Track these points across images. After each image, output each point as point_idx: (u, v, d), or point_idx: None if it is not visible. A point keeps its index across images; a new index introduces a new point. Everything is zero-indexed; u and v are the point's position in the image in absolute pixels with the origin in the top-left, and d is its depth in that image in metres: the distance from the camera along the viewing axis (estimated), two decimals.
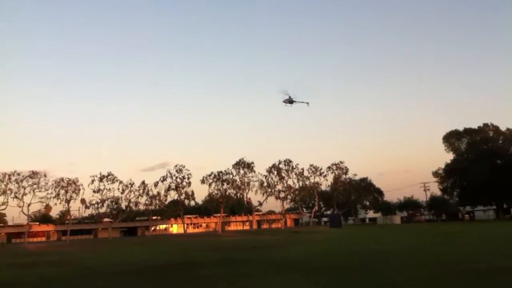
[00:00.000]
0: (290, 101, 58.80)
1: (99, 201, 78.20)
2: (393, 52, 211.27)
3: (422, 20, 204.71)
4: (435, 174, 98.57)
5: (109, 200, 79.28)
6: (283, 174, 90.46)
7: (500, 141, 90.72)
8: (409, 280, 11.68)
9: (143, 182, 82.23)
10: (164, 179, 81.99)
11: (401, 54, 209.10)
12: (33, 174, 70.27)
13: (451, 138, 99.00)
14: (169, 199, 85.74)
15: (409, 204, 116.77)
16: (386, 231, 58.25)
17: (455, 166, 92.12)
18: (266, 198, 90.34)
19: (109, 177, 78.56)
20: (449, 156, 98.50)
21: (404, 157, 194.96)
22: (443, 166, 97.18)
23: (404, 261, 16.81)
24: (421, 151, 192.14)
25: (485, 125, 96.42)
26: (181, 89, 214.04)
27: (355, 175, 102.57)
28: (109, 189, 78.63)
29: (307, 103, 60.74)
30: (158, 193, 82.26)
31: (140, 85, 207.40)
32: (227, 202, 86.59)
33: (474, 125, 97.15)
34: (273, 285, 12.03)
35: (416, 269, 13.87)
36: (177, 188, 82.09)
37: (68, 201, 75.96)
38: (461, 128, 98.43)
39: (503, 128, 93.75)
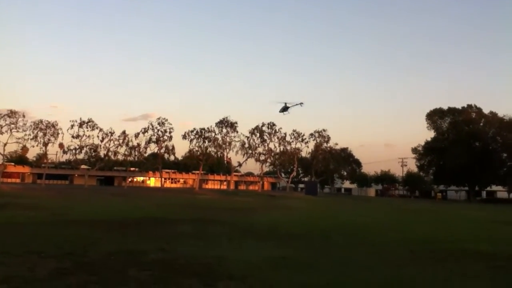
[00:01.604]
0: (285, 108, 60.78)
1: (77, 147, 77.32)
2: (382, 24, 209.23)
3: None
4: (414, 150, 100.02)
5: (87, 147, 78.47)
6: (265, 137, 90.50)
7: (482, 124, 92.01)
8: (369, 254, 12.01)
9: (123, 132, 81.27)
10: (145, 130, 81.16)
11: (391, 27, 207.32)
12: (11, 114, 68.48)
13: (434, 116, 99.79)
14: (149, 151, 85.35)
15: (385, 178, 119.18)
16: (359, 203, 59.61)
17: (435, 144, 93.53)
18: (246, 160, 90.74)
19: (89, 123, 77.33)
20: (431, 134, 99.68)
21: (386, 131, 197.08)
22: (423, 143, 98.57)
23: (369, 235, 17.24)
24: (403, 127, 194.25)
25: (469, 106, 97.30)
26: (174, 43, 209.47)
27: (336, 144, 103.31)
28: (89, 136, 77.56)
29: (301, 103, 62.24)
30: (138, 145, 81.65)
31: (131, 34, 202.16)
32: (206, 160, 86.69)
33: (459, 106, 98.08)
34: (239, 248, 12.27)
35: (378, 244, 14.25)
36: (157, 141, 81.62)
37: (45, 144, 74.90)
38: (445, 107, 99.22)
39: (486, 111, 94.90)
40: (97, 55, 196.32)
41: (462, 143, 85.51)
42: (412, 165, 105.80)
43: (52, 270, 8.25)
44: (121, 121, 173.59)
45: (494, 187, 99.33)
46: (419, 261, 11.03)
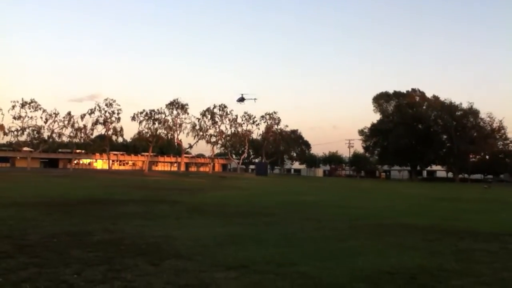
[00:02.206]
0: (241, 99, 63.56)
1: (19, 128, 74.00)
2: (330, 8, 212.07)
3: None
4: (361, 132, 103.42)
5: (30, 128, 75.23)
6: (216, 119, 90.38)
7: (424, 107, 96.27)
8: (313, 229, 12.42)
9: (68, 113, 78.54)
10: (92, 112, 78.86)
11: (340, 11, 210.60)
12: None
13: (380, 100, 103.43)
14: (96, 133, 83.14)
15: (332, 159, 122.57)
16: (307, 182, 61.05)
17: (380, 126, 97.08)
18: (197, 141, 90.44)
19: (31, 104, 74.08)
20: (377, 117, 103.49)
21: (335, 114, 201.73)
22: (369, 125, 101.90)
23: (314, 212, 17.78)
24: (351, 109, 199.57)
25: (413, 90, 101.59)
26: (123, 20, 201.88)
27: (287, 126, 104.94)
28: (31, 117, 74.49)
29: (255, 99, 65.79)
30: (85, 126, 79.26)
31: (76, 10, 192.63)
32: (156, 142, 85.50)
33: (403, 90, 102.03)
34: (186, 227, 12.30)
35: (322, 220, 14.74)
36: (105, 123, 79.49)
37: None
38: (391, 91, 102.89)
39: (429, 95, 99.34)
40: (40, 33, 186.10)
41: (406, 125, 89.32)
42: (359, 147, 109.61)
43: None
44: (66, 101, 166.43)
45: (434, 167, 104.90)
46: (359, 235, 11.53)
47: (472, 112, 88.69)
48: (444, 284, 6.63)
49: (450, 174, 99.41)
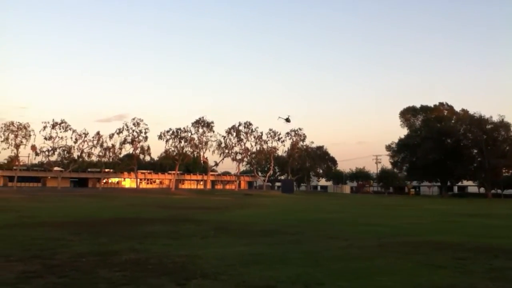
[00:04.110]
0: (287, 119, 66.03)
1: (50, 148, 76.04)
2: (354, 21, 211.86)
3: None
4: (388, 147, 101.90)
5: (60, 148, 77.19)
6: (241, 136, 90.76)
7: (453, 121, 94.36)
8: (340, 248, 12.23)
9: (97, 133, 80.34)
10: (120, 131, 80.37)
11: (364, 24, 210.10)
12: None
13: (407, 114, 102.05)
14: (124, 152, 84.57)
15: (359, 175, 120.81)
16: (334, 199, 60.33)
17: (408, 141, 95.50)
18: (223, 159, 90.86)
19: (62, 124, 76.10)
20: (404, 132, 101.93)
21: (360, 129, 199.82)
22: (396, 140, 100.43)
23: (341, 229, 17.52)
24: (377, 124, 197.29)
25: (441, 104, 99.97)
26: (150, 40, 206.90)
27: (312, 142, 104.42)
28: (62, 137, 76.45)
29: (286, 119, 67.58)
30: (113, 145, 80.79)
31: (103, 32, 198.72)
32: (183, 160, 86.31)
33: (431, 103, 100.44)
34: (212, 246, 12.29)
35: (350, 238, 14.50)
36: (132, 142, 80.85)
37: (17, 146, 73.50)
38: (418, 105, 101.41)
39: (457, 108, 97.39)
40: (68, 54, 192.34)
41: (434, 140, 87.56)
42: (386, 162, 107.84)
43: (19, 273, 8.07)
44: (94, 121, 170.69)
45: (465, 182, 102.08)
46: (387, 253, 11.27)
47: (503, 125, 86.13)
48: None
49: (482, 190, 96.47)
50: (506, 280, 8.06)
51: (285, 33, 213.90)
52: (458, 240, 13.96)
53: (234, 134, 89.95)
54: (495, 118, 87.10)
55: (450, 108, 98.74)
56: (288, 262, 9.76)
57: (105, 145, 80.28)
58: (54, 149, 76.19)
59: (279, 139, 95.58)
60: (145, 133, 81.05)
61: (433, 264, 9.62)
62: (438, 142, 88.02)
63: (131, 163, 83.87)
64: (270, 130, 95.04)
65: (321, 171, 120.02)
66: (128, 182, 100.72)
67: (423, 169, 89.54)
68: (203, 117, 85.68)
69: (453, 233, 16.67)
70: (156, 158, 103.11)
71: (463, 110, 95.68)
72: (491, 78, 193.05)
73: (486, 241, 13.78)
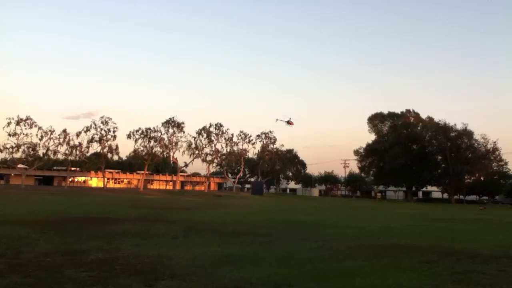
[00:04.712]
0: (288, 121, 66.49)
1: (14, 145, 73.66)
2: (326, 28, 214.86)
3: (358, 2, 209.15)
4: (356, 152, 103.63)
5: (25, 145, 74.94)
6: (212, 138, 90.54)
7: (419, 128, 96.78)
8: (310, 249, 12.34)
9: (64, 130, 78.51)
10: (88, 129, 78.87)
11: (334, 30, 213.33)
12: None
13: (375, 120, 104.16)
14: (91, 151, 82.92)
15: (328, 179, 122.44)
16: (303, 202, 60.87)
17: (375, 146, 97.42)
18: (193, 160, 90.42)
19: (27, 121, 73.93)
20: (372, 137, 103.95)
21: (331, 133, 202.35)
22: (364, 145, 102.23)
23: (310, 231, 17.69)
24: (347, 129, 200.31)
25: (408, 111, 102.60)
26: (120, 38, 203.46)
27: (282, 145, 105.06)
28: (27, 134, 74.23)
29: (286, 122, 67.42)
30: (80, 144, 79.16)
31: (74, 25, 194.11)
32: (152, 160, 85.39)
33: (398, 110, 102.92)
34: (182, 247, 12.19)
35: (319, 240, 14.65)
36: (100, 141, 79.39)
37: None
38: (385, 111, 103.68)
39: (423, 115, 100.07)
40: (35, 48, 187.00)
41: (401, 146, 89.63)
42: (354, 167, 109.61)
43: None
44: (61, 119, 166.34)
45: (429, 188, 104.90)
46: (356, 255, 11.44)
47: (466, 133, 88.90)
48: None
49: (445, 195, 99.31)
50: (468, 283, 8.30)
51: (257, 35, 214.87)
52: (424, 244, 14.30)
53: (205, 135, 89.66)
54: (459, 126, 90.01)
55: (417, 115, 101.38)
56: (259, 263, 9.77)
57: (72, 143, 78.69)
58: (18, 146, 73.90)
59: (249, 141, 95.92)
60: (114, 132, 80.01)
61: (400, 267, 9.82)
62: (405, 148, 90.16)
63: (98, 162, 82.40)
64: (241, 132, 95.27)
65: (290, 174, 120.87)
66: (95, 181, 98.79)
67: (390, 174, 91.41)
68: (173, 117, 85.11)
69: (419, 236, 17.06)
70: (124, 158, 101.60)
71: (428, 117, 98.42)
72: (456, 87, 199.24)
73: (450, 245, 14.16)
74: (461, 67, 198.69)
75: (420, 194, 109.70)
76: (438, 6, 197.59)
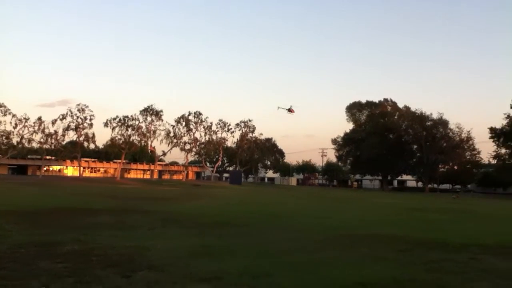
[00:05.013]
0: (289, 109, 66.79)
1: None
2: (308, 20, 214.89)
3: None
4: (334, 141, 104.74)
5: None
6: (191, 126, 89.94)
7: (396, 117, 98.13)
8: (288, 240, 12.46)
9: (39, 118, 76.80)
10: (63, 117, 77.25)
11: (316, 21, 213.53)
12: None
13: (353, 109, 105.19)
14: (67, 139, 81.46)
15: (306, 168, 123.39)
16: (281, 191, 61.29)
17: (353, 136, 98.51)
18: (171, 149, 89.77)
19: (0, 108, 72.14)
20: (350, 126, 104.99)
21: (309, 122, 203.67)
22: (342, 134, 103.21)
23: (288, 222, 17.86)
24: (326, 118, 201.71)
25: (385, 100, 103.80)
26: (97, 23, 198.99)
27: (261, 134, 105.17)
28: (0, 122, 72.48)
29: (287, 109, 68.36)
30: (55, 132, 77.60)
31: (49, 11, 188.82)
32: (129, 149, 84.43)
33: (376, 99, 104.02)
34: (160, 238, 12.13)
35: (297, 230, 14.80)
36: (76, 129, 78.00)
37: None
38: (364, 100, 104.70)
39: (401, 105, 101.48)
40: (9, 34, 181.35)
41: (378, 135, 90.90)
42: (332, 156, 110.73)
43: None
44: (36, 106, 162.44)
45: (404, 177, 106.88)
46: (333, 245, 11.62)
47: (441, 123, 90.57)
48: None
49: (420, 184, 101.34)
50: (441, 271, 8.52)
51: (231, 24, 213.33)
52: (399, 233, 14.60)
53: (184, 123, 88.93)
54: (435, 116, 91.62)
55: (394, 104, 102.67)
56: (237, 254, 9.81)
57: (47, 131, 77.02)
58: None
59: (228, 130, 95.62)
60: (90, 120, 78.64)
61: (376, 257, 10.01)
62: (381, 137, 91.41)
63: (74, 151, 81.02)
64: (220, 120, 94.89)
65: (269, 163, 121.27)
66: (70, 170, 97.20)
67: (366, 163, 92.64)
68: (151, 105, 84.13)
69: (394, 226, 17.41)
70: (101, 146, 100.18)
71: (405, 106, 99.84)
72: (433, 76, 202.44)
73: (423, 235, 14.51)
74: (438, 58, 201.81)
75: (395, 183, 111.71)
76: None
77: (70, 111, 77.43)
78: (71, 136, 79.87)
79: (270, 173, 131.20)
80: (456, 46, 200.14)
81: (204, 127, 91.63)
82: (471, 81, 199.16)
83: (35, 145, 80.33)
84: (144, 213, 19.09)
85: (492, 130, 73.23)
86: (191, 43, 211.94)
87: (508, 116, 72.24)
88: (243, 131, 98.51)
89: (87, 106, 78.38)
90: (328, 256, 9.97)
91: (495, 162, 79.20)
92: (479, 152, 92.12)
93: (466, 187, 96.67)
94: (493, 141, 74.28)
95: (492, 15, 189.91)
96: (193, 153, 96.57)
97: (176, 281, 6.97)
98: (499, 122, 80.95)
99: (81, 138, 79.39)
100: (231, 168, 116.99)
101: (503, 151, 75.19)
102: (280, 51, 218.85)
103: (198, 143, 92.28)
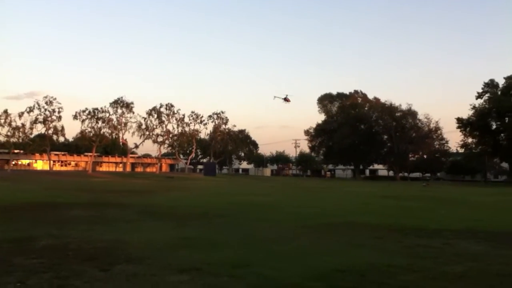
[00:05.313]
0: (285, 98, 66.64)
1: None
2: (280, 10, 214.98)
3: None
4: (306, 132, 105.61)
5: None
6: (163, 118, 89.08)
7: (366, 108, 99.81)
8: (265, 230, 12.55)
9: (5, 111, 74.58)
10: (31, 110, 75.35)
11: (290, 13, 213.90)
12: None
13: (325, 101, 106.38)
14: (35, 132, 79.43)
15: (280, 158, 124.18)
16: (256, 182, 61.55)
17: (325, 127, 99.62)
18: (143, 141, 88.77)
19: None
20: (322, 117, 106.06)
21: (284, 114, 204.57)
22: (315, 126, 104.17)
23: (264, 212, 17.97)
24: (300, 110, 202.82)
25: (356, 91, 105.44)
26: (65, 13, 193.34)
27: (234, 126, 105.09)
28: None
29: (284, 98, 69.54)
30: (23, 125, 75.57)
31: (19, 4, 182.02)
32: (100, 141, 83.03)
33: (347, 91, 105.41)
34: (137, 230, 12.01)
35: (274, 220, 14.91)
36: (45, 122, 76.18)
37: None
38: (334, 92, 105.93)
39: (370, 96, 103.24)
40: None
41: (349, 126, 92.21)
42: (305, 146, 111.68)
43: None
44: (2, 98, 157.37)
45: (376, 166, 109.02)
46: (311, 234, 11.79)
47: (410, 113, 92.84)
48: (392, 279, 6.86)
49: (391, 173, 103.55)
50: (416, 257, 8.76)
51: (209, 12, 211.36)
52: (374, 221, 14.91)
53: (155, 115, 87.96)
54: (404, 107, 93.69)
55: (364, 96, 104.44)
56: (216, 245, 9.82)
57: (14, 124, 74.92)
58: None
59: (201, 121, 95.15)
60: (59, 112, 77.03)
61: (353, 244, 10.22)
62: (353, 128, 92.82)
63: (43, 144, 79.12)
64: (192, 112, 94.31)
65: (243, 154, 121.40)
66: (40, 164, 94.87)
67: (338, 153, 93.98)
68: (122, 97, 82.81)
69: (369, 214, 17.76)
70: (71, 139, 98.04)
71: (375, 98, 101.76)
72: (401, 67, 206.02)
73: (398, 221, 14.85)
74: (406, 51, 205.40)
75: (367, 172, 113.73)
76: None
77: (38, 103, 75.72)
78: (40, 129, 78.21)
79: (244, 164, 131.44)
80: (423, 40, 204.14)
81: (176, 119, 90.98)
82: (438, 73, 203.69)
83: (1, 138, 78.19)
84: (119, 206, 18.85)
85: (459, 120, 75.95)
86: (163, 32, 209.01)
87: (474, 107, 75.36)
88: (216, 123, 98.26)
89: (55, 99, 76.76)
90: (306, 244, 10.11)
91: (463, 151, 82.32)
92: (447, 142, 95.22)
93: (436, 175, 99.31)
94: (460, 131, 77.11)
95: (455, 7, 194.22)
96: (166, 146, 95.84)
97: (155, 273, 6.93)
98: (466, 113, 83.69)
99: (50, 131, 77.69)
100: (205, 160, 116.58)
101: (470, 140, 78.39)
102: (255, 42, 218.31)
103: (171, 135, 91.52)
